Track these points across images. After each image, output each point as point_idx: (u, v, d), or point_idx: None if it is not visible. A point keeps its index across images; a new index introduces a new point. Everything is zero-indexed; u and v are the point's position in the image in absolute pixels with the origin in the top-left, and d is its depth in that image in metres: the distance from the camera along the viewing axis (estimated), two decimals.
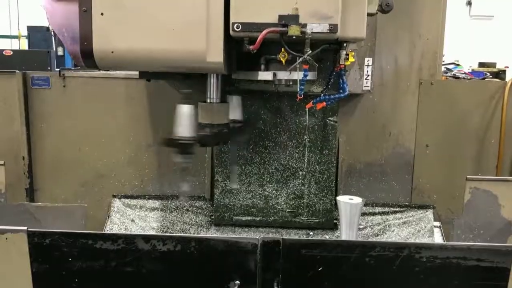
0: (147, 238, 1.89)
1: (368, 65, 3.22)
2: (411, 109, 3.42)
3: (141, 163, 3.50)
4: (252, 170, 3.35)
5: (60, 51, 6.67)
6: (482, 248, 1.89)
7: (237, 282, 1.89)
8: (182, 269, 1.95)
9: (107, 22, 2.37)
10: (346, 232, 2.92)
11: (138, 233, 1.83)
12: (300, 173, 3.34)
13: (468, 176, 2.73)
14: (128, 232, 1.85)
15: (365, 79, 3.24)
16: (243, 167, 3.34)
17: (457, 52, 7.83)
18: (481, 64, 5.15)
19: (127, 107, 3.44)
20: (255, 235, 3.35)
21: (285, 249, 1.86)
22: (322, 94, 2.80)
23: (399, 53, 3.35)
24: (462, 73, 3.99)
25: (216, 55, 2.38)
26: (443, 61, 3.83)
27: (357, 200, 2.89)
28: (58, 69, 3.54)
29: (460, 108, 3.41)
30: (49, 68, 3.99)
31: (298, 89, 2.55)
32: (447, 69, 4.24)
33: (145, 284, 1.95)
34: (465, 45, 10.48)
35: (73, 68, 3.72)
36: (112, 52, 2.40)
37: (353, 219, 2.90)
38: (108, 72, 3.38)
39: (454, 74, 3.93)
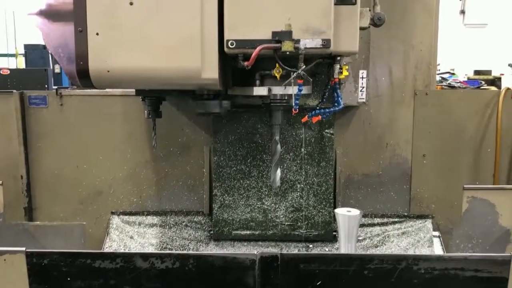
0: (145, 256, 1.89)
1: (362, 77, 3.25)
2: (406, 120, 3.43)
3: (139, 180, 3.51)
4: (250, 184, 3.36)
5: (57, 69, 6.69)
6: (479, 259, 1.89)
7: None
8: (181, 287, 1.94)
9: (103, 42, 2.39)
10: (345, 245, 2.92)
11: (137, 251, 1.83)
12: (298, 185, 3.35)
13: (465, 185, 2.74)
14: (127, 251, 1.84)
15: (360, 91, 3.27)
16: (241, 181, 3.36)
17: (452, 60, 7.86)
18: (477, 72, 5.19)
19: (124, 124, 3.46)
20: (254, 250, 3.35)
21: (283, 264, 1.86)
22: (317, 108, 2.83)
23: (393, 64, 3.37)
24: (457, 82, 4.01)
25: (211, 71, 2.41)
26: (439, 70, 3.87)
27: (355, 212, 2.90)
28: (55, 87, 3.56)
29: (455, 118, 3.43)
30: (46, 86, 4.00)
31: (293, 104, 2.57)
32: (442, 78, 4.26)
33: None
34: (460, 53, 10.53)
35: (70, 86, 3.73)
36: (108, 71, 2.42)
37: (352, 231, 2.89)
38: (105, 90, 3.39)
39: (449, 83, 3.95)
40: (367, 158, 3.48)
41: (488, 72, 5.08)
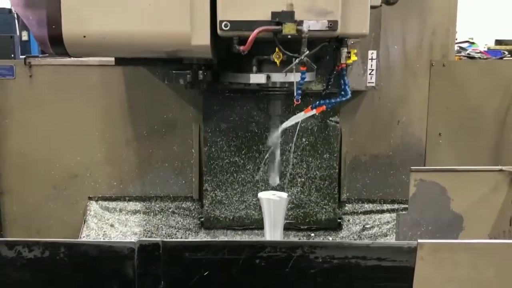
0: (10, 245, 1.89)
1: (372, 59, 3.21)
2: (421, 94, 3.41)
3: (120, 161, 3.48)
4: (245, 178, 3.35)
5: (24, 36, 6.59)
6: (382, 246, 1.93)
7: None
8: (52, 278, 1.96)
9: (78, 2, 2.35)
10: (270, 232, 2.95)
11: (1, 239, 1.90)
12: (299, 180, 3.35)
13: (412, 167, 2.76)
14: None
15: (369, 74, 3.23)
16: (235, 174, 3.35)
17: (471, 29, 7.81)
18: (498, 42, 5.16)
19: (103, 98, 3.41)
20: (249, 238, 3.37)
21: (165, 252, 1.87)
22: (321, 94, 2.83)
23: (407, 31, 3.33)
24: (478, 52, 3.99)
25: (202, 37, 2.38)
26: (456, 39, 3.83)
27: (281, 195, 2.92)
28: (23, 57, 3.50)
29: (476, 92, 3.42)
30: (13, 55, 3.95)
31: (295, 94, 2.56)
32: (461, 48, 4.24)
33: None
34: (479, 21, 10.49)
35: (41, 55, 3.68)
36: (84, 36, 2.38)
37: (277, 217, 2.92)
38: (81, 59, 3.34)
39: (468, 54, 3.92)
40: (376, 137, 3.47)
41: (511, 42, 5.06)
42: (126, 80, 3.38)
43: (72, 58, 3.18)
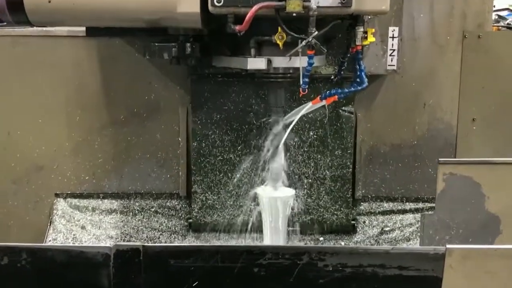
0: None
1: (393, 37, 3.19)
2: (452, 72, 3.41)
3: (92, 151, 3.48)
4: (241, 179, 3.36)
5: None
6: (404, 253, 1.94)
7: None
8: None
9: None
10: (270, 236, 2.97)
11: None
12: (306, 181, 3.37)
13: (440, 159, 2.73)
14: None
15: (390, 55, 3.21)
16: (228, 174, 3.36)
17: None
18: None
19: (72, 75, 3.40)
20: (246, 243, 3.37)
21: (147, 259, 1.90)
22: (332, 80, 2.81)
23: None
24: None
25: (190, 4, 2.38)
26: (494, 7, 3.82)
27: (285, 192, 2.93)
28: None
29: None
30: None
31: (301, 82, 2.57)
32: (499, 16, 4.24)
33: None
34: None
35: None
36: (49, 1, 2.37)
37: (279, 218, 2.93)
38: (45, 29, 3.32)
39: (508, 24, 3.94)
40: (397, 123, 3.47)
41: None
42: (99, 54, 3.37)
43: (35, 28, 3.17)
